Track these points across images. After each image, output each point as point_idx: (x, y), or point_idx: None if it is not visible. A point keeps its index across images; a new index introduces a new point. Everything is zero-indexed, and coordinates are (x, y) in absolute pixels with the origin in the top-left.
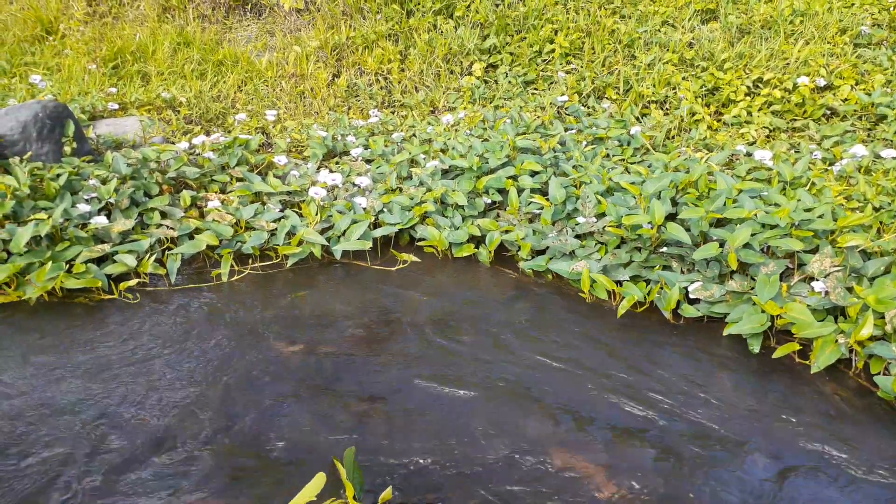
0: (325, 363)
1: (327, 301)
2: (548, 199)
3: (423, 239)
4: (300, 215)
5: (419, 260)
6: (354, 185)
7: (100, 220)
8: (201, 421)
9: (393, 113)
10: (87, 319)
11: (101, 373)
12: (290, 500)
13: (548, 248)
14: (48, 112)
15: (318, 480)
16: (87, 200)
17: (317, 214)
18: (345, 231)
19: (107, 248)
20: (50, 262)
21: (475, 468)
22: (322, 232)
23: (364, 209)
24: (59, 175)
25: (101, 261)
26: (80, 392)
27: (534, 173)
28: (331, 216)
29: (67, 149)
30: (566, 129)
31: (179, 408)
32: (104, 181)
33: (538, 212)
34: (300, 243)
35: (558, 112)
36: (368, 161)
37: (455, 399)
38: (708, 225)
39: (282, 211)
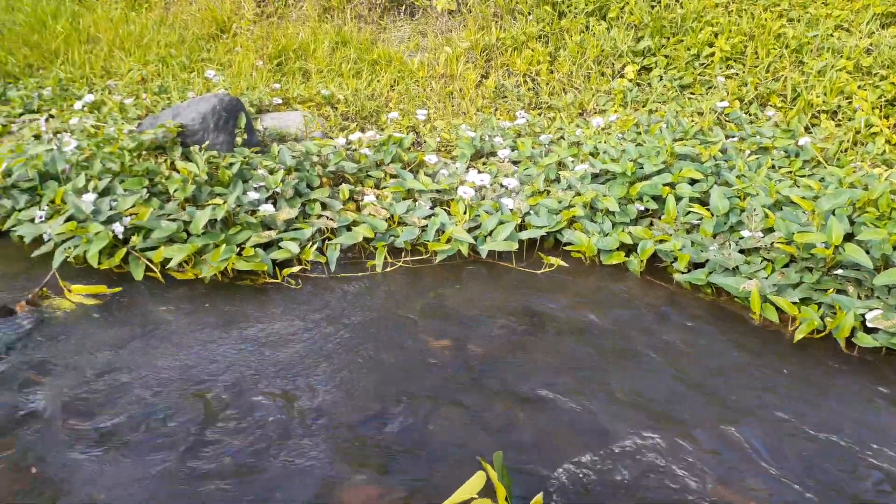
0: (471, 361)
1: (473, 299)
2: (708, 210)
3: (571, 243)
4: (449, 213)
5: (566, 264)
6: (502, 185)
7: (267, 208)
8: (354, 405)
9: (540, 115)
10: (252, 301)
11: (262, 351)
12: (438, 493)
13: (707, 261)
14: (224, 105)
15: (478, 480)
16: (256, 189)
17: (465, 213)
18: (492, 231)
19: (273, 234)
20: (224, 245)
21: (625, 486)
22: (469, 231)
23: (511, 210)
24: (232, 164)
25: (267, 246)
26: (241, 367)
27: (693, 181)
28: (478, 216)
29: (239, 139)
30: (727, 137)
31: (333, 390)
32: (271, 171)
33: (697, 222)
34: (449, 241)
35: (718, 119)
36: (515, 162)
37: (602, 413)
38: (891, 248)
39: (432, 208)
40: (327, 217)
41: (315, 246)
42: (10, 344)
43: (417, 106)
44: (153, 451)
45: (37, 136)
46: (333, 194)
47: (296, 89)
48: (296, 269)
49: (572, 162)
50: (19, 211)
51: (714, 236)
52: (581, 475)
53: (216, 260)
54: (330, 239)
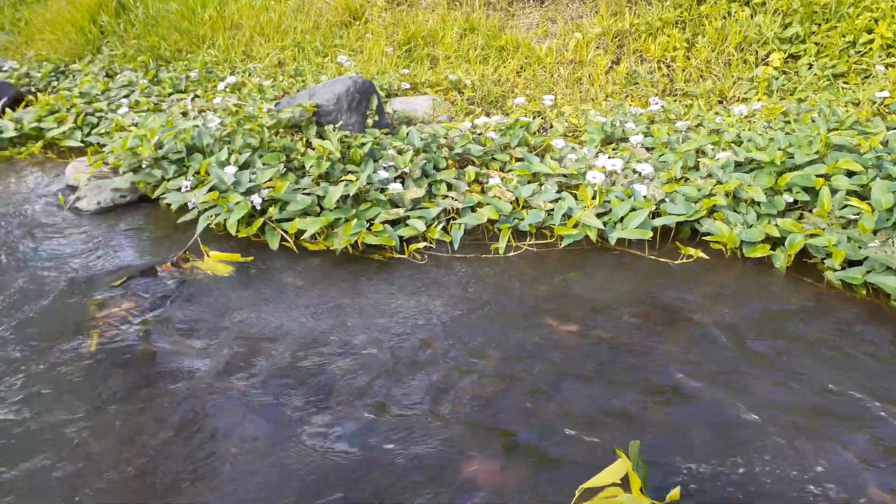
0: (598, 348)
1: (600, 286)
2: (869, 204)
3: (709, 233)
4: (576, 198)
5: (705, 256)
6: (635, 171)
7: (396, 187)
8: (477, 381)
9: (675, 101)
10: (380, 274)
11: (388, 322)
12: (562, 476)
13: (865, 258)
14: (358, 87)
15: (621, 466)
16: (385, 168)
17: (594, 198)
18: (622, 217)
19: (401, 212)
20: (354, 220)
21: (768, 489)
22: (598, 216)
23: (644, 197)
24: (363, 144)
25: (394, 223)
26: (369, 336)
27: (850, 173)
28: (608, 201)
29: (370, 121)
30: (888, 129)
31: (456, 365)
32: (400, 152)
33: (854, 217)
34: (576, 225)
35: (877, 109)
36: (648, 149)
37: (741, 412)
38: None
39: (558, 192)
40: (453, 198)
41: (440, 225)
42: (156, 301)
43: (544, 91)
44: (283, 410)
45: (184, 114)
46: (459, 176)
47: (424, 74)
48: (421, 245)
49: (713, 150)
50: (168, 180)
51: (874, 232)
52: (718, 473)
53: (347, 233)
54: (455, 219)
